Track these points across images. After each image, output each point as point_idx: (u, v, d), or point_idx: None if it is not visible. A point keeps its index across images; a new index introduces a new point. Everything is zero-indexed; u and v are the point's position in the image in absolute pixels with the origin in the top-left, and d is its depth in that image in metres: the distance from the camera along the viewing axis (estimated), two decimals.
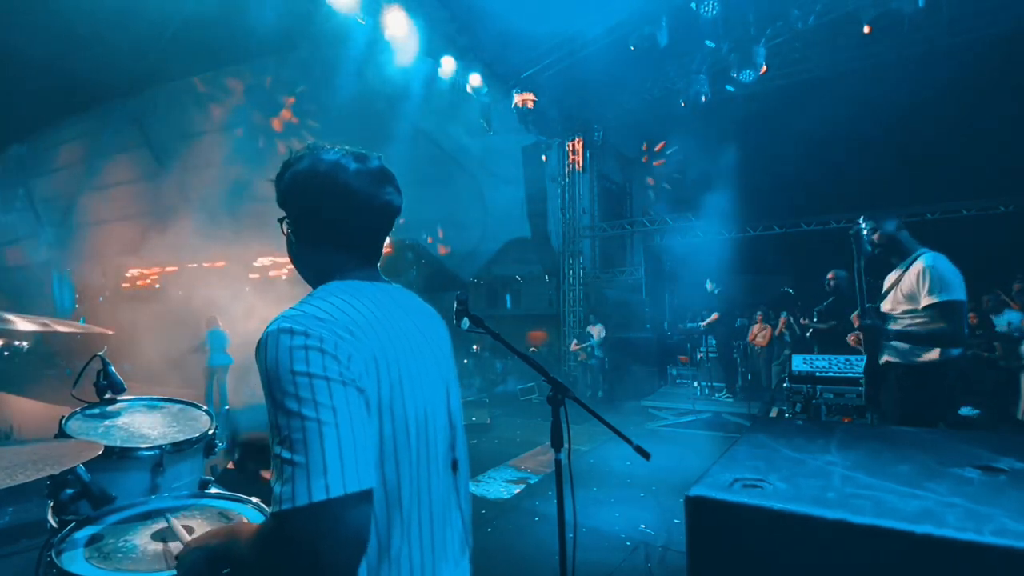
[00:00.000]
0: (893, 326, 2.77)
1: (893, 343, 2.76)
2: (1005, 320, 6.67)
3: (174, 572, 1.21)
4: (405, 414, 0.88)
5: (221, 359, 8.42)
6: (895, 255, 2.86)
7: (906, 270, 2.76)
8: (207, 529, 1.40)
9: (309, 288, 1.01)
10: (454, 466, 1.02)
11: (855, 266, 2.83)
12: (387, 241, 1.09)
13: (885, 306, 2.86)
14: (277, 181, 1.04)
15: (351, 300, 0.91)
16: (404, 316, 0.98)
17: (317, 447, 0.74)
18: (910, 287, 2.70)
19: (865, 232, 2.86)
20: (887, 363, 2.78)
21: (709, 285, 10.01)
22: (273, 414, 0.78)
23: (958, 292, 2.57)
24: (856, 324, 2.85)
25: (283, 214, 1.05)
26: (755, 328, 9.89)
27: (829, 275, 4.89)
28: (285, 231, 1.06)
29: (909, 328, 2.72)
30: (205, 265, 14.91)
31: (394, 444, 0.86)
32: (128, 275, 17.12)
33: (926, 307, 2.61)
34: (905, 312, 2.72)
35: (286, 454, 0.75)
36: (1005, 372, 6.32)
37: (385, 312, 0.94)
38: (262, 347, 0.81)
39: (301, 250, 1.03)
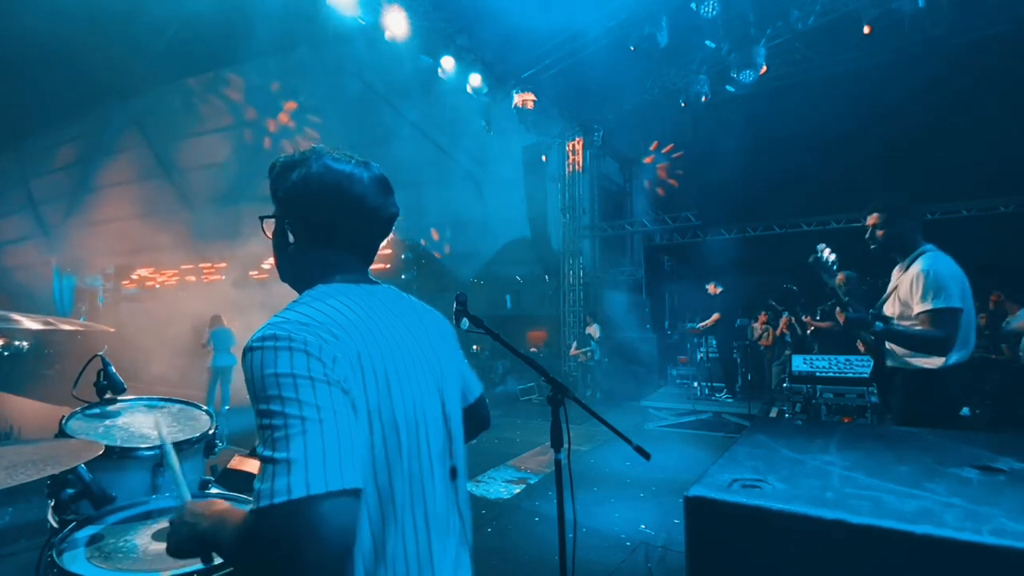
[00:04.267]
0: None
1: (892, 348, 2.67)
2: (1016, 320, 6.62)
3: (173, 572, 1.22)
4: (394, 418, 0.88)
5: (226, 359, 8.34)
6: (897, 252, 2.70)
7: (906, 271, 2.63)
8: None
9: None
10: (453, 473, 1.01)
11: (829, 285, 2.70)
12: (386, 241, 1.10)
13: (887, 309, 2.72)
14: (278, 179, 1.02)
15: (336, 304, 0.90)
16: (392, 318, 0.98)
17: (299, 444, 0.73)
18: (906, 291, 2.56)
19: (828, 255, 2.71)
20: (893, 368, 2.68)
21: (711, 287, 9.99)
22: (258, 417, 0.78)
23: (955, 299, 2.40)
24: (841, 320, 2.69)
25: (268, 211, 1.05)
26: (757, 328, 9.89)
27: (838, 278, 4.84)
28: (270, 232, 1.05)
29: (897, 328, 2.58)
30: (204, 266, 14.93)
31: (384, 448, 0.86)
32: (128, 275, 17.13)
33: (919, 314, 2.47)
34: (902, 316, 2.61)
35: (268, 452, 0.74)
36: (1012, 373, 6.25)
37: (371, 314, 0.93)
38: (247, 354, 0.81)
39: (296, 251, 1.02)
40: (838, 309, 2.71)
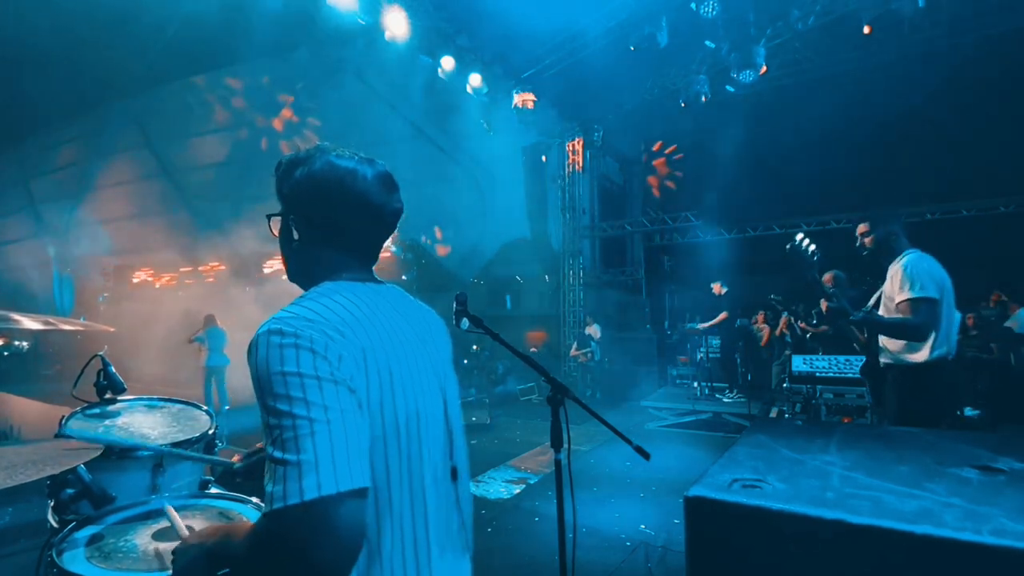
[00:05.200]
0: None
1: (884, 345, 2.76)
2: (1013, 319, 6.61)
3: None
4: (395, 415, 0.88)
5: (219, 359, 8.36)
6: (885, 256, 2.85)
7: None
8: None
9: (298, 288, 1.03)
10: (453, 473, 1.01)
11: (807, 276, 2.85)
12: (387, 242, 1.10)
13: (881, 310, 2.84)
14: (283, 177, 1.03)
15: (342, 300, 0.91)
16: (397, 317, 0.98)
17: (309, 445, 0.74)
18: (890, 288, 2.72)
19: (806, 244, 2.85)
20: (885, 364, 2.78)
21: (716, 287, 9.97)
22: (265, 415, 0.78)
23: (931, 291, 2.57)
24: (824, 308, 2.89)
25: (275, 209, 1.06)
26: (758, 327, 9.88)
27: (826, 276, 4.85)
28: (276, 230, 1.06)
29: (874, 315, 2.75)
30: (202, 268, 14.93)
31: (384, 445, 0.86)
32: (128, 275, 17.13)
33: (898, 303, 2.63)
34: (889, 313, 2.74)
35: (278, 454, 0.75)
36: (1003, 373, 6.26)
37: (376, 312, 0.94)
38: (252, 349, 0.82)
39: (301, 249, 1.03)
40: (823, 299, 2.86)
